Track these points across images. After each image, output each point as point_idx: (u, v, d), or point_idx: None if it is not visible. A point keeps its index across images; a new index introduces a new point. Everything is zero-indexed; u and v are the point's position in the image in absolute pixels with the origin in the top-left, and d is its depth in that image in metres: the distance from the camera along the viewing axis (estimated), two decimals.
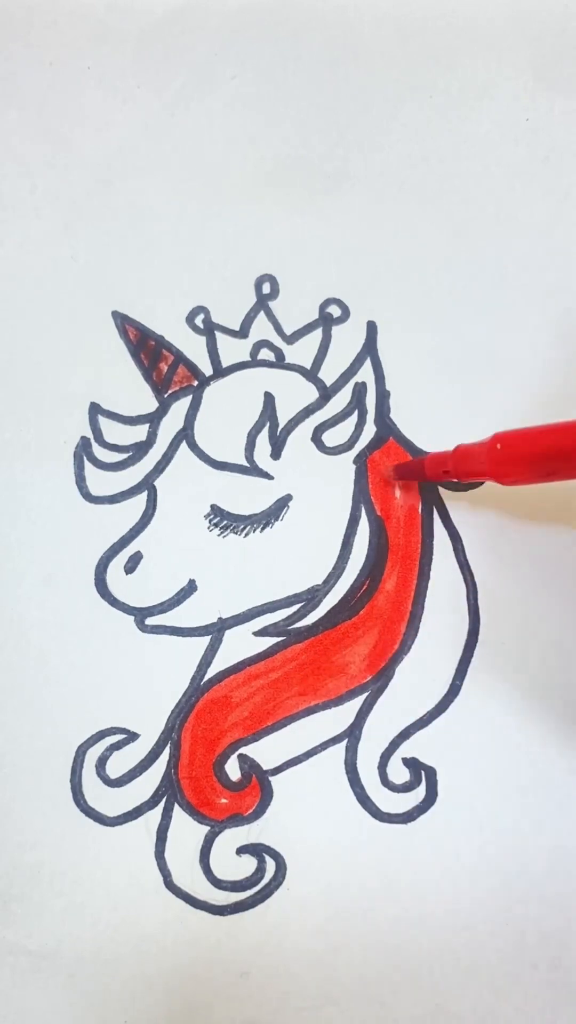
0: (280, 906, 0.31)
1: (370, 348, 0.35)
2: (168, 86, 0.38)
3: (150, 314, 0.36)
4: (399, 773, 0.32)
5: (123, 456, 0.35)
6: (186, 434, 0.35)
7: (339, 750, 0.32)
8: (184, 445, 0.35)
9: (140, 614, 0.33)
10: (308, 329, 0.36)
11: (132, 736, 0.32)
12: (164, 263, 0.37)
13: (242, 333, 0.36)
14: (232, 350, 0.36)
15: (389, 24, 0.38)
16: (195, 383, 0.35)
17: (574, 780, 0.31)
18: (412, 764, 0.32)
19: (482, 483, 0.34)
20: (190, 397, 0.35)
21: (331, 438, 0.35)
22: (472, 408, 0.35)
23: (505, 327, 0.35)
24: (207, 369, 0.36)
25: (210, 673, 0.33)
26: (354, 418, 0.35)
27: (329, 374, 0.35)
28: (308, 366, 0.35)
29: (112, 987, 0.30)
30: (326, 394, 0.35)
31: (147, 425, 0.35)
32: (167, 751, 0.32)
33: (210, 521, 0.34)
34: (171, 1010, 0.30)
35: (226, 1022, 0.30)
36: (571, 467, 0.27)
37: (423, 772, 0.32)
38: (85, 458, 0.35)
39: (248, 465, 0.34)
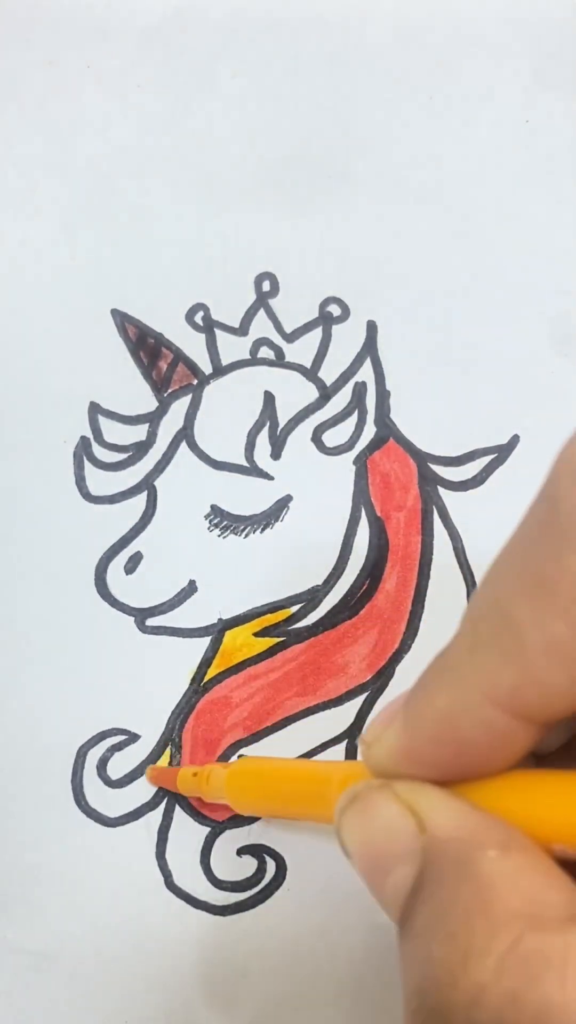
0: (280, 906, 0.31)
1: (370, 348, 0.35)
2: (168, 85, 0.38)
3: (150, 312, 0.36)
4: None
5: (123, 456, 0.35)
6: (186, 434, 0.35)
7: (339, 750, 0.32)
8: (184, 445, 0.35)
9: (140, 614, 0.33)
10: (308, 328, 0.36)
11: (133, 737, 0.32)
12: (164, 261, 0.37)
13: (242, 331, 0.36)
14: (232, 348, 0.36)
15: (389, 24, 0.38)
16: (195, 382, 0.35)
17: None
18: None
19: (482, 483, 0.34)
20: (190, 396, 0.35)
21: (331, 438, 0.35)
22: (472, 408, 0.35)
23: (505, 327, 0.35)
24: (207, 367, 0.36)
25: (210, 673, 0.33)
26: (354, 418, 0.35)
27: (329, 373, 0.35)
28: (308, 365, 0.35)
29: (112, 987, 0.30)
30: (326, 394, 0.35)
31: (147, 425, 0.35)
32: (168, 752, 0.32)
33: (210, 521, 0.34)
34: (171, 1010, 0.30)
35: (226, 1022, 0.30)
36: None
37: None
38: (85, 458, 0.35)
39: (248, 465, 0.34)
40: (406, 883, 0.18)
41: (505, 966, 0.15)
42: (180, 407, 0.35)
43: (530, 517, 0.18)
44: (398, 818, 0.19)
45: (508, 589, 0.18)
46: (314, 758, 0.32)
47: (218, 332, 0.36)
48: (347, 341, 0.35)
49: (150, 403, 0.35)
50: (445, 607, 0.33)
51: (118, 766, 0.32)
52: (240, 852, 0.31)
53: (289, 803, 0.27)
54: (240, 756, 0.32)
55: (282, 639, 0.33)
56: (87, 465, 0.35)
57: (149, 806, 0.32)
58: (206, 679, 0.33)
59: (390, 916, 0.19)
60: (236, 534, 0.34)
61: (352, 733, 0.32)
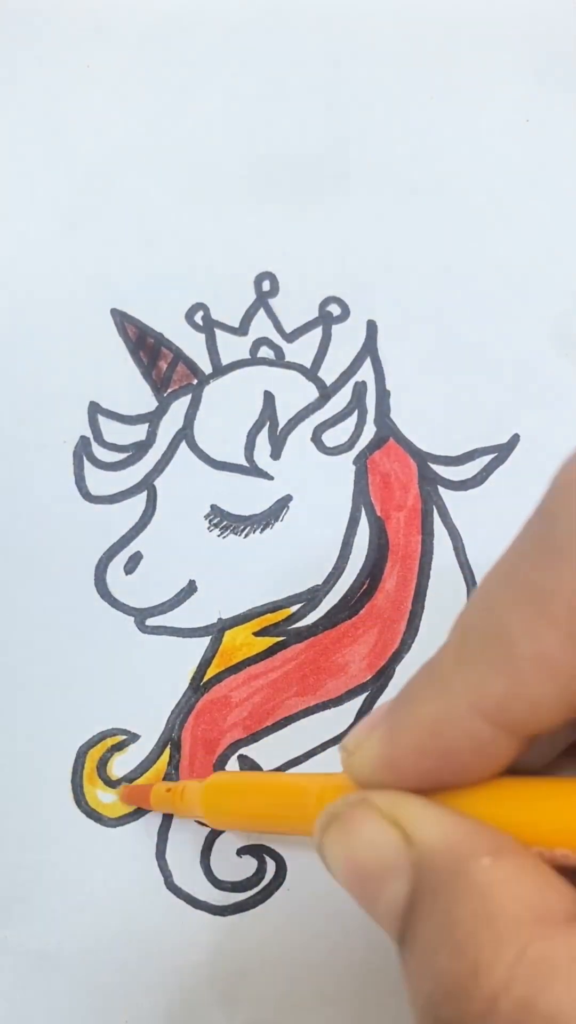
0: (280, 906, 0.31)
1: (370, 347, 0.35)
2: (168, 84, 0.38)
3: (149, 311, 0.36)
4: None
5: (123, 456, 0.35)
6: (186, 434, 0.35)
7: (339, 750, 0.32)
8: (184, 445, 0.35)
9: (140, 614, 0.33)
10: (308, 328, 0.36)
11: (133, 737, 0.32)
12: (163, 260, 0.37)
13: (242, 330, 0.36)
14: (231, 348, 0.36)
15: (389, 24, 0.38)
16: (194, 381, 0.35)
17: None
18: None
19: (482, 483, 0.34)
20: (189, 396, 0.35)
21: (331, 438, 0.35)
22: (472, 408, 0.35)
23: (505, 327, 0.35)
24: (206, 367, 0.36)
25: (210, 673, 0.33)
26: (354, 418, 0.35)
27: (329, 373, 0.35)
28: (308, 365, 0.35)
29: (112, 987, 0.30)
30: (326, 393, 0.35)
31: (146, 424, 0.35)
32: (167, 752, 0.32)
33: (210, 521, 0.34)
34: (171, 1010, 0.30)
35: (226, 1022, 0.30)
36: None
37: None
38: (85, 458, 0.35)
39: (248, 465, 0.34)
40: (399, 899, 0.18)
41: (515, 975, 0.16)
42: (180, 407, 0.35)
43: (527, 530, 0.18)
44: (382, 833, 0.19)
45: (501, 600, 0.18)
46: (312, 759, 0.32)
47: (218, 332, 0.36)
48: (347, 341, 0.35)
49: (150, 403, 0.35)
50: (445, 607, 0.33)
51: (118, 766, 0.32)
52: (240, 852, 0.31)
53: (267, 818, 0.26)
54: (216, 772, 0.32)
55: (282, 639, 0.33)
56: (87, 465, 0.35)
57: None
58: (206, 679, 0.33)
59: (387, 931, 0.19)
60: (236, 534, 0.34)
61: None
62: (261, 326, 0.36)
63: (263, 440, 0.35)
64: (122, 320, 0.36)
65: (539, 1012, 0.15)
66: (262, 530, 0.34)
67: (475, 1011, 0.16)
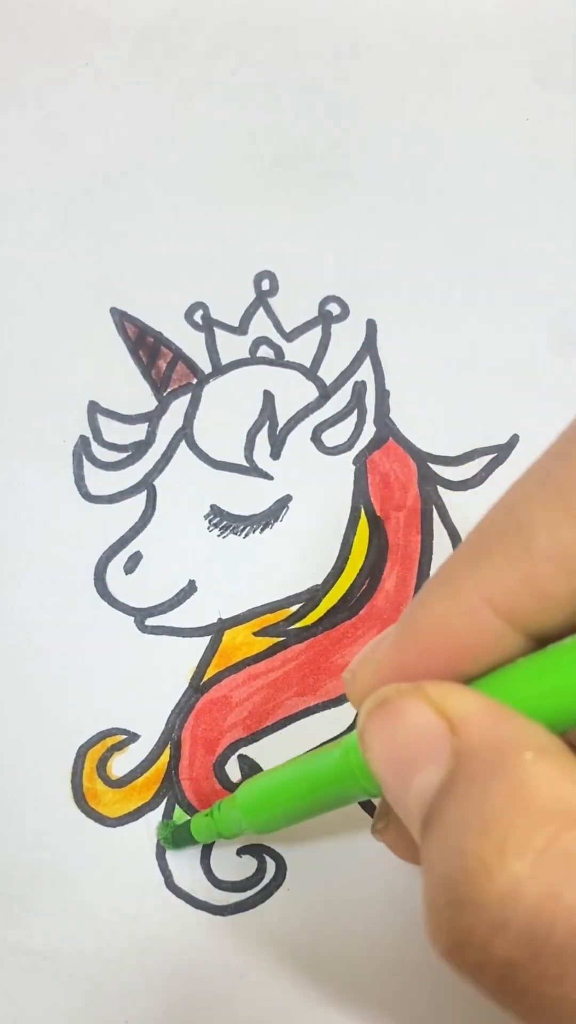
0: (280, 906, 0.31)
1: (370, 347, 0.35)
2: (167, 83, 0.38)
3: (149, 310, 0.36)
4: None
5: (122, 455, 0.35)
6: (185, 433, 0.35)
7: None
8: (183, 444, 0.35)
9: (140, 614, 0.33)
10: (307, 327, 0.36)
11: (133, 737, 0.32)
12: (163, 259, 0.37)
13: (241, 330, 0.36)
14: (231, 347, 0.36)
15: (389, 23, 0.38)
16: (194, 381, 0.35)
17: None
18: None
19: (482, 483, 0.34)
20: (189, 395, 0.35)
21: (331, 438, 0.35)
22: (472, 408, 0.35)
23: (505, 327, 0.35)
24: (206, 366, 0.35)
25: (210, 673, 0.33)
26: (354, 418, 0.35)
27: (329, 373, 0.35)
28: (308, 364, 0.35)
29: (112, 987, 0.30)
30: (326, 393, 0.35)
31: (146, 424, 0.35)
32: (167, 752, 0.32)
33: (210, 521, 0.34)
34: (171, 1010, 0.30)
35: (226, 1022, 0.30)
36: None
37: None
38: (84, 457, 0.35)
39: (248, 465, 0.34)
40: (433, 784, 0.18)
41: (543, 862, 0.15)
42: (179, 406, 0.35)
43: (561, 437, 0.18)
44: (428, 720, 0.18)
45: (524, 495, 0.18)
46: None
47: (217, 331, 0.36)
48: (347, 340, 0.35)
49: (149, 402, 0.35)
50: None
51: (118, 766, 0.32)
52: (240, 852, 0.31)
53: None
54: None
55: (282, 639, 0.33)
56: (86, 464, 0.35)
57: (149, 806, 0.32)
58: (206, 678, 0.33)
59: (409, 819, 0.18)
60: (236, 534, 0.34)
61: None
62: (261, 325, 0.36)
63: (263, 440, 0.35)
64: (121, 319, 0.36)
65: (565, 902, 0.15)
66: (262, 530, 0.34)
67: (495, 892, 0.16)
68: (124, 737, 0.32)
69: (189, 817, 0.31)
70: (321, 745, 0.32)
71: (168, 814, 0.32)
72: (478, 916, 0.16)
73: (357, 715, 0.20)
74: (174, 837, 0.31)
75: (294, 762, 0.27)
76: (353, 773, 0.22)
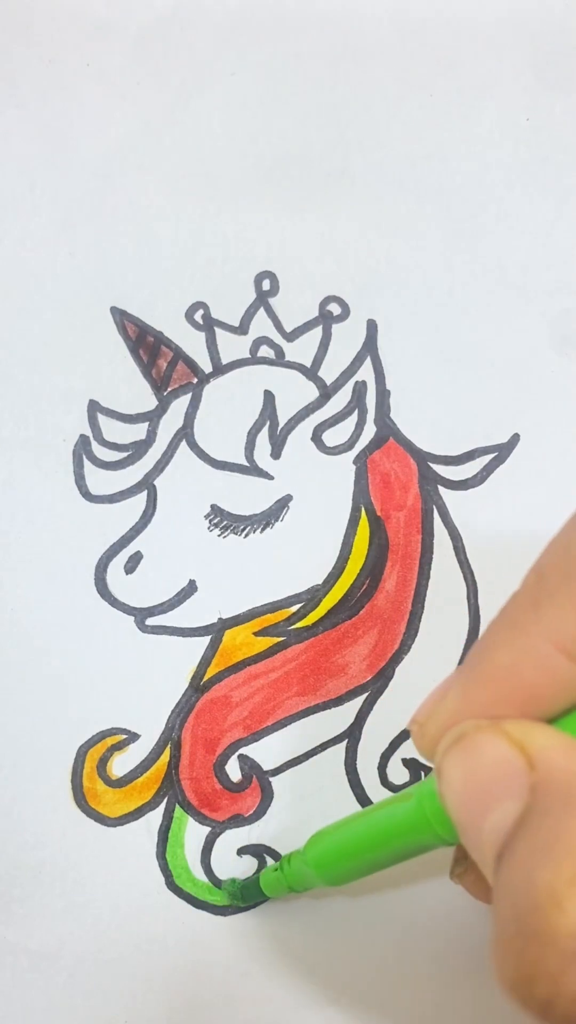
0: (280, 906, 0.31)
1: (370, 347, 0.35)
2: (168, 83, 0.38)
3: (149, 310, 0.36)
4: (399, 773, 0.32)
5: (123, 455, 0.35)
6: (186, 433, 0.35)
7: (339, 750, 0.32)
8: (184, 444, 0.35)
9: (140, 614, 0.33)
10: (308, 327, 0.36)
11: (133, 736, 0.32)
12: (163, 259, 0.37)
13: (242, 330, 0.36)
14: (232, 347, 0.36)
15: (389, 24, 0.38)
16: (194, 380, 0.35)
17: None
18: (412, 764, 0.32)
19: (482, 482, 0.34)
20: (189, 395, 0.35)
21: (331, 438, 0.35)
22: (472, 407, 0.35)
23: (505, 327, 0.35)
24: (206, 366, 0.35)
25: (210, 673, 0.33)
26: (354, 417, 0.35)
27: (329, 373, 0.35)
28: (308, 364, 0.35)
29: (112, 987, 0.30)
30: (326, 393, 0.35)
31: (146, 423, 0.35)
32: (168, 751, 0.32)
33: (210, 521, 0.34)
34: (171, 1010, 0.30)
35: (226, 1022, 0.30)
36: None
37: (423, 772, 0.32)
38: (84, 457, 0.35)
39: (248, 465, 0.34)
40: (508, 820, 0.18)
41: None
42: (180, 406, 0.35)
43: None
44: (507, 755, 0.18)
45: None
46: (312, 758, 0.32)
47: (218, 331, 0.36)
48: (347, 340, 0.35)
49: (150, 402, 0.35)
50: (445, 607, 0.33)
51: (118, 766, 0.32)
52: (240, 852, 0.31)
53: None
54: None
55: (282, 639, 0.33)
56: (87, 464, 0.35)
57: (149, 806, 0.32)
58: (206, 678, 0.33)
59: (483, 858, 0.18)
60: (236, 534, 0.34)
61: (352, 733, 0.32)
62: (261, 325, 0.36)
63: (263, 439, 0.35)
64: (122, 318, 0.36)
65: None
66: (262, 530, 0.34)
67: (566, 924, 0.15)
68: (124, 737, 0.32)
69: (239, 859, 0.31)
70: (320, 747, 0.32)
71: (168, 814, 0.32)
72: (548, 949, 0.16)
73: (434, 763, 0.20)
74: (243, 893, 0.30)
75: (364, 814, 0.26)
76: (428, 821, 0.22)
